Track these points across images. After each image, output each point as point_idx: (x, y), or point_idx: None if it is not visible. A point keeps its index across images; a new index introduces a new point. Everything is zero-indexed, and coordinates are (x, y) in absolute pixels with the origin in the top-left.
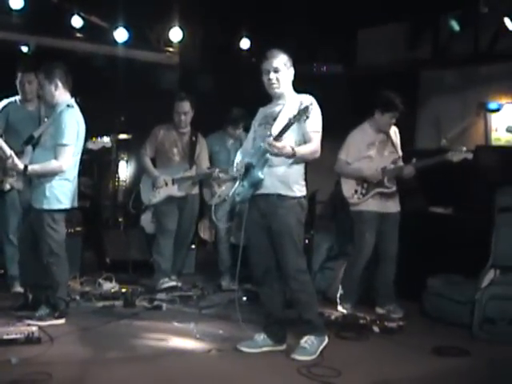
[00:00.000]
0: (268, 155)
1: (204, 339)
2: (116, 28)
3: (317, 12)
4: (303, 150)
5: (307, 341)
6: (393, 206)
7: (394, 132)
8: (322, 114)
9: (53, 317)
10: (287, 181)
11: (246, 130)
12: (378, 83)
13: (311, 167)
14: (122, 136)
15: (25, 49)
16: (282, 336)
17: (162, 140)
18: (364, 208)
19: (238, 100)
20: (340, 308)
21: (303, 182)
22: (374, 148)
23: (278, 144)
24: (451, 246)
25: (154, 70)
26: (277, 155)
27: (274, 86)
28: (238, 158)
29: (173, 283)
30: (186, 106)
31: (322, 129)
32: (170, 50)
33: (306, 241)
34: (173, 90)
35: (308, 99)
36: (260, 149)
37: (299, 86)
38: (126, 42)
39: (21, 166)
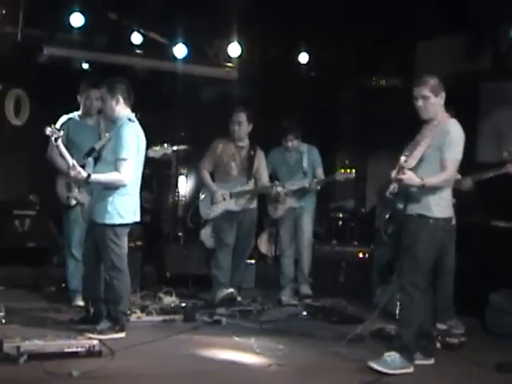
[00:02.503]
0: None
1: (264, 354)
2: (175, 44)
3: (375, 25)
4: (435, 179)
5: (391, 355)
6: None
7: None
8: (381, 128)
9: (114, 330)
10: (428, 202)
11: (304, 141)
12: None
13: (371, 182)
14: (182, 148)
15: (85, 66)
16: (431, 349)
17: (221, 154)
18: None
19: (296, 114)
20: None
21: (444, 204)
22: None
23: (403, 176)
24: None
25: (212, 85)
26: (405, 186)
27: (422, 112)
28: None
29: (230, 290)
30: (241, 116)
31: (382, 143)
32: (229, 65)
33: (366, 255)
34: (232, 105)
35: (449, 125)
36: None
37: (359, 100)
38: (185, 58)
39: (84, 174)
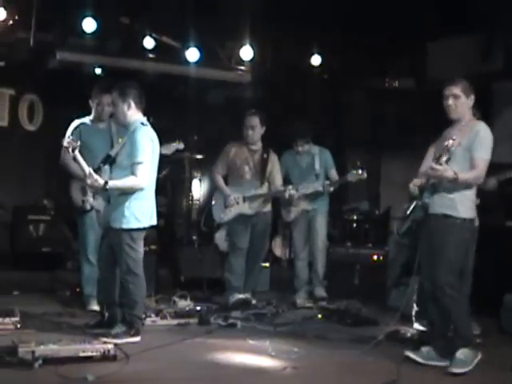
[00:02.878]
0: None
1: (279, 357)
2: (187, 48)
3: (387, 27)
4: (467, 175)
5: (463, 353)
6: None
7: None
8: (394, 129)
9: (129, 335)
10: (453, 202)
11: (316, 143)
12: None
13: (384, 183)
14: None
15: (98, 70)
16: (448, 351)
17: (234, 158)
18: None
19: (309, 116)
20: (416, 325)
21: (468, 205)
22: None
23: (439, 167)
24: None
25: (225, 88)
26: (438, 178)
27: (451, 112)
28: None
29: (242, 296)
30: (254, 120)
31: (395, 144)
32: (242, 68)
33: (381, 257)
34: (244, 108)
35: (477, 126)
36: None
37: (371, 101)
38: (197, 62)
39: (101, 181)
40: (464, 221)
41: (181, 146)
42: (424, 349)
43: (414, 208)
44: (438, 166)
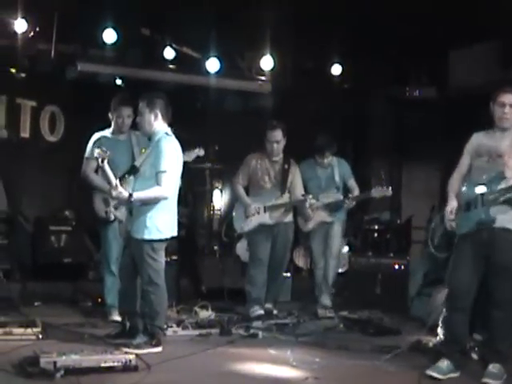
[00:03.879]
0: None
1: (300, 367)
2: (208, 58)
3: (408, 35)
4: None
5: (495, 367)
6: None
7: None
8: (416, 138)
9: (150, 345)
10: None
11: (336, 153)
12: (472, 105)
13: (405, 193)
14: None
15: (119, 81)
16: (461, 363)
17: (255, 168)
18: None
19: (330, 126)
20: (439, 335)
21: None
22: None
23: None
24: None
25: (246, 98)
26: None
27: (506, 121)
28: (452, 186)
29: (262, 312)
30: (278, 134)
31: (417, 153)
32: (262, 78)
33: (402, 267)
34: (265, 118)
35: None
36: (493, 188)
37: (392, 110)
38: (217, 72)
39: (126, 193)
40: None
41: (201, 152)
42: (442, 363)
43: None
44: None
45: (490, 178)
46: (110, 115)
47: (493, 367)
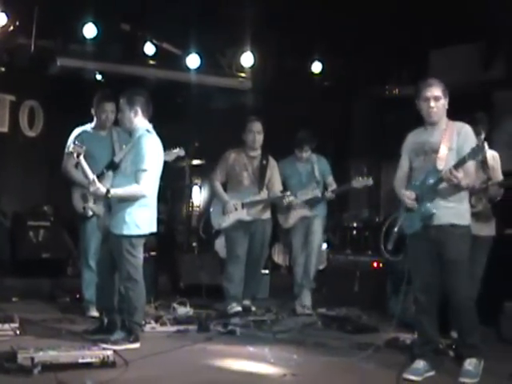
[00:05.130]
0: (439, 187)
1: (278, 364)
2: (188, 54)
3: (389, 34)
4: (471, 182)
5: (471, 363)
6: (483, 229)
7: (492, 156)
8: (395, 136)
9: (128, 341)
10: (458, 210)
11: (317, 150)
12: (451, 105)
13: (384, 191)
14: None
15: (99, 77)
16: (438, 361)
17: (233, 164)
18: None
19: (310, 124)
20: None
21: (469, 209)
22: None
23: (460, 174)
24: None
25: (226, 95)
26: (455, 185)
27: (432, 115)
28: (398, 188)
29: (239, 308)
30: (258, 125)
31: (394, 152)
32: (242, 75)
33: (381, 264)
34: (245, 115)
35: (461, 127)
36: (427, 183)
37: (372, 109)
38: (198, 68)
39: (103, 189)
40: (468, 227)
41: (182, 152)
42: (418, 364)
43: (401, 221)
44: (459, 174)
45: (425, 174)
46: (92, 111)
47: (468, 364)
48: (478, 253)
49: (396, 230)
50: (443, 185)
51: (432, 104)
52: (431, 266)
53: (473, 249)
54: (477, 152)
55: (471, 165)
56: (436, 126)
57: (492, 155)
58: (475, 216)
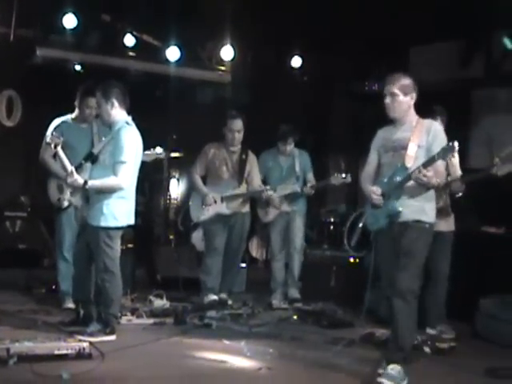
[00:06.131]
0: (406, 185)
1: (254, 357)
2: (168, 46)
3: (369, 30)
4: (441, 180)
5: (394, 368)
6: (444, 225)
7: None
8: (373, 132)
9: (104, 333)
10: (423, 208)
11: (297, 145)
12: (429, 102)
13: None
14: (174, 154)
15: (78, 67)
16: (411, 356)
17: (213, 158)
18: None
19: (289, 118)
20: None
21: (434, 208)
22: None
23: (429, 173)
24: (504, 266)
25: (205, 88)
26: (423, 184)
27: (390, 110)
28: (365, 184)
29: (216, 297)
30: (239, 123)
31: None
32: (222, 68)
33: (357, 260)
34: (224, 109)
35: (431, 125)
36: (394, 180)
37: (351, 105)
38: (178, 61)
39: (81, 181)
40: (431, 225)
41: (161, 155)
42: (392, 370)
43: (366, 217)
44: (429, 173)
45: (393, 171)
46: (76, 103)
47: (392, 369)
48: (440, 249)
49: (360, 225)
50: (410, 183)
51: (387, 100)
52: (392, 263)
53: (434, 245)
54: (447, 152)
55: (441, 164)
56: (405, 123)
57: None
58: (437, 212)
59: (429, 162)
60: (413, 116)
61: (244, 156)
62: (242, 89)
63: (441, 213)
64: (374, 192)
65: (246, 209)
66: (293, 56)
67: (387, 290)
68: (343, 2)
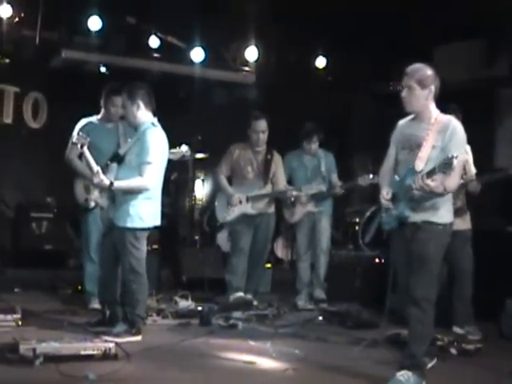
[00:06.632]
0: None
1: (280, 358)
2: (192, 48)
3: (393, 30)
4: (453, 184)
5: (404, 375)
6: (460, 224)
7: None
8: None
9: (130, 333)
10: (436, 208)
11: (321, 146)
12: (454, 101)
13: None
14: (199, 155)
15: (103, 69)
16: (432, 351)
17: (238, 159)
18: None
19: (312, 119)
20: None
21: (451, 208)
22: None
23: (433, 183)
24: None
25: (230, 89)
26: (428, 193)
27: (407, 104)
28: (382, 180)
29: (242, 294)
30: (263, 124)
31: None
32: (246, 69)
33: (382, 260)
34: (249, 109)
35: (449, 123)
36: (405, 182)
37: (374, 105)
38: (202, 62)
39: (107, 181)
40: (445, 226)
41: (187, 153)
42: (401, 376)
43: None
44: (431, 183)
45: (406, 172)
46: (101, 102)
47: (401, 375)
48: (459, 247)
49: (375, 223)
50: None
51: (404, 93)
52: (407, 265)
53: (453, 244)
54: (446, 166)
55: (458, 167)
56: (424, 119)
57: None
58: (454, 212)
59: (430, 173)
60: (432, 111)
61: (269, 156)
62: (266, 89)
63: (458, 212)
64: (384, 196)
65: (272, 209)
66: (317, 56)
67: (404, 295)
68: (367, 1)
